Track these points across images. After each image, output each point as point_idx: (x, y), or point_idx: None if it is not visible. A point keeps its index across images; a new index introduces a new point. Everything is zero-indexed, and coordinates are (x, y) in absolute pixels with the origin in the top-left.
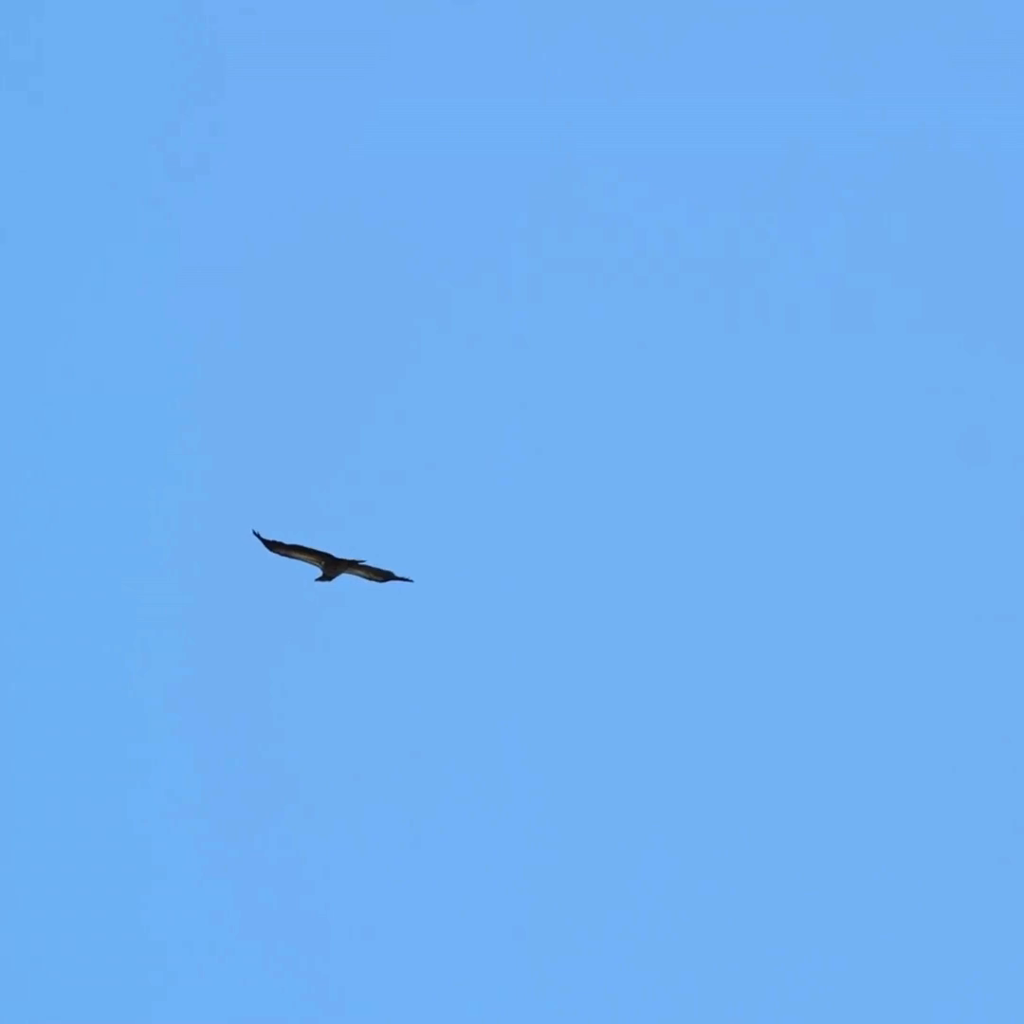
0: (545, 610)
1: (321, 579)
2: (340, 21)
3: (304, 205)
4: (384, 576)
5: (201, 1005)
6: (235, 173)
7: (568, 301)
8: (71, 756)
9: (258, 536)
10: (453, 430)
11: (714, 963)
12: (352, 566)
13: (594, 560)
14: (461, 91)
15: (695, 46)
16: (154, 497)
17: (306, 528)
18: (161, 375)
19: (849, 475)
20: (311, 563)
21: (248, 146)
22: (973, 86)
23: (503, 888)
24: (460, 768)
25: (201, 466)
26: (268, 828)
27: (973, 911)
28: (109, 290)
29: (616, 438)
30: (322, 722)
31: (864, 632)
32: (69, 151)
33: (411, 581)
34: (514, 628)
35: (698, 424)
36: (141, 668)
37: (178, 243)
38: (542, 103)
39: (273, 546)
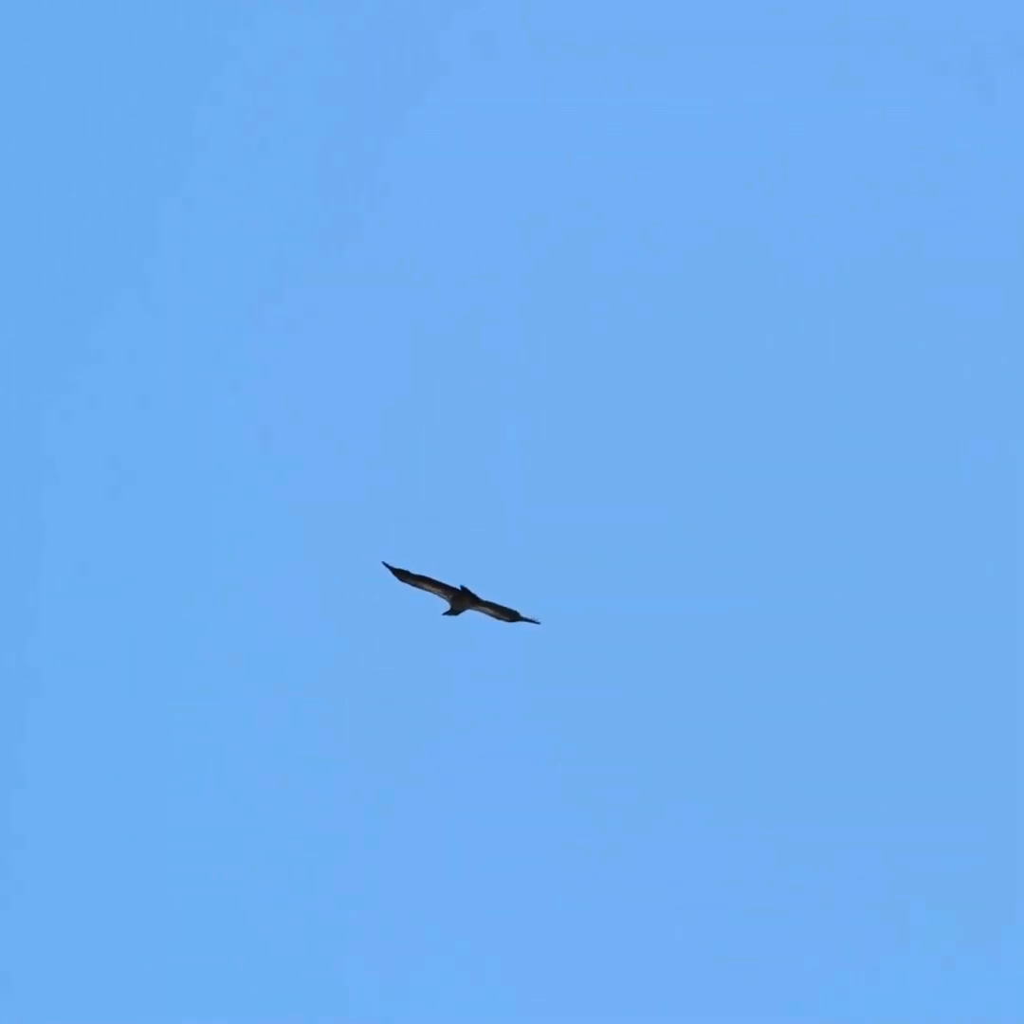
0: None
1: (449, 613)
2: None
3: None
4: (511, 616)
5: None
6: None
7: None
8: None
9: (388, 566)
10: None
11: (714, 963)
12: (479, 603)
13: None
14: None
15: (695, 46)
16: (282, 519)
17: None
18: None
19: (847, 476)
20: (439, 596)
21: None
22: (971, 86)
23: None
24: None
25: (331, 491)
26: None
27: (973, 913)
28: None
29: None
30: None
31: (863, 634)
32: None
33: (538, 623)
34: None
35: (701, 426)
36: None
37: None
38: (542, 103)
39: (402, 575)
